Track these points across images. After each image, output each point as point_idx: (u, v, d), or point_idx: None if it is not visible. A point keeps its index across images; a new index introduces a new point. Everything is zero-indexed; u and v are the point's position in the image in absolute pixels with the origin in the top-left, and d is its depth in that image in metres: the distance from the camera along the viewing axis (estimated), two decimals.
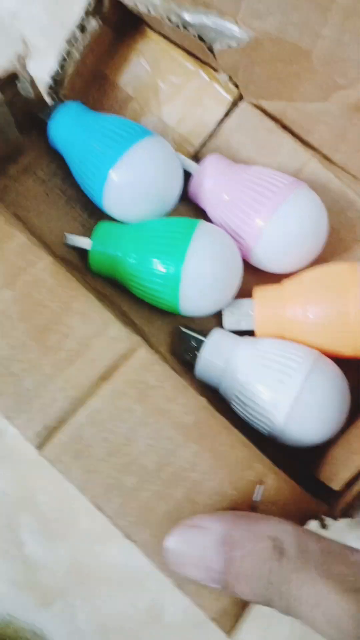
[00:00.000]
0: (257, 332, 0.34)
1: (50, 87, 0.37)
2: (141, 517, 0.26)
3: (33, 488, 0.38)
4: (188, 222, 0.33)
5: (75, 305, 0.27)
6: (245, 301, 0.35)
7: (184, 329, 0.34)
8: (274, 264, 0.35)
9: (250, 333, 0.35)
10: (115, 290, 0.36)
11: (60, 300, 0.27)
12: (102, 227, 0.35)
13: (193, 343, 0.34)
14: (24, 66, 0.33)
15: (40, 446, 0.26)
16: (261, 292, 0.35)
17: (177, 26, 0.33)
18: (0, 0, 0.44)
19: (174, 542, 0.24)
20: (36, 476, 0.38)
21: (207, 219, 0.36)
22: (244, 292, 0.35)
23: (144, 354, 0.27)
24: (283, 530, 0.23)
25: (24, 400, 0.26)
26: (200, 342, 0.34)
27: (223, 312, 0.35)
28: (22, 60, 0.33)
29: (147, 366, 0.27)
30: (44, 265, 0.28)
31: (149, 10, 0.33)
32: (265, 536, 0.22)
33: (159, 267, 0.32)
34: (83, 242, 0.35)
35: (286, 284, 0.34)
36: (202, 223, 0.33)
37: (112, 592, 0.37)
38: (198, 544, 0.23)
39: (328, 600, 0.20)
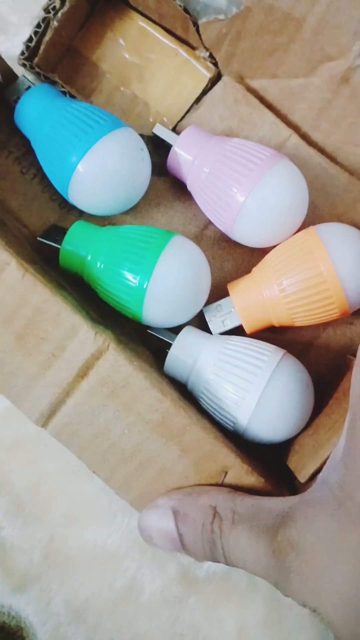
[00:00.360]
0: (244, 325, 0.35)
1: (23, 54, 0.36)
2: (125, 484, 0.30)
3: (8, 471, 0.37)
4: (161, 235, 0.32)
5: (47, 309, 0.28)
6: (223, 301, 0.35)
7: (150, 331, 0.34)
8: (255, 239, 0.35)
9: (240, 330, 0.35)
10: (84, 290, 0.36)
11: (31, 306, 0.28)
12: (77, 226, 0.34)
13: (161, 343, 0.34)
14: None
15: (43, 426, 0.30)
16: (236, 286, 0.35)
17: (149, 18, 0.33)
18: None
19: (141, 521, 0.30)
20: (11, 459, 0.37)
21: (187, 192, 0.37)
22: (226, 272, 0.36)
23: (111, 356, 0.29)
24: (219, 498, 0.28)
25: (22, 393, 0.29)
26: (167, 343, 0.34)
27: (207, 319, 0.35)
28: None
29: (114, 367, 0.29)
30: (10, 271, 0.28)
31: None
32: (205, 506, 0.28)
33: (126, 277, 0.31)
34: (57, 241, 0.34)
35: (255, 270, 0.35)
36: (176, 238, 0.33)
37: (88, 573, 0.36)
38: (158, 520, 0.29)
39: (252, 545, 0.26)
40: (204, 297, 0.34)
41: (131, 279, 0.31)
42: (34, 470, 0.37)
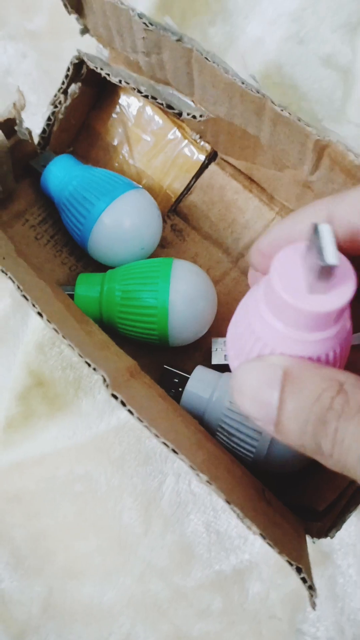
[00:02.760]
0: None
1: (39, 144, 0.40)
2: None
3: (9, 524, 0.39)
4: (163, 261, 0.36)
5: None
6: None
7: (167, 367, 0.37)
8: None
9: None
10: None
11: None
12: (84, 275, 0.38)
13: (176, 380, 0.36)
14: (19, 113, 0.36)
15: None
16: None
17: (147, 96, 0.36)
18: None
19: (237, 375, 0.23)
20: (11, 512, 0.39)
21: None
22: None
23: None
24: (350, 377, 0.21)
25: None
26: (183, 378, 0.36)
27: (212, 348, 0.37)
28: (18, 107, 0.36)
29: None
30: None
31: (120, 82, 0.36)
32: (330, 377, 0.21)
33: (147, 302, 0.35)
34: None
35: None
36: (176, 260, 0.36)
37: (85, 628, 0.37)
38: (259, 377, 0.22)
39: None
40: (215, 304, 0.37)
41: (152, 303, 0.35)
42: (34, 524, 0.38)
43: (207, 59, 0.32)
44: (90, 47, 0.39)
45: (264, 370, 0.22)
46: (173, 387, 0.36)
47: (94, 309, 0.37)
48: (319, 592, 0.37)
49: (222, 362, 0.37)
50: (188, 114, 0.36)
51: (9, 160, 0.37)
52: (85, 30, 0.39)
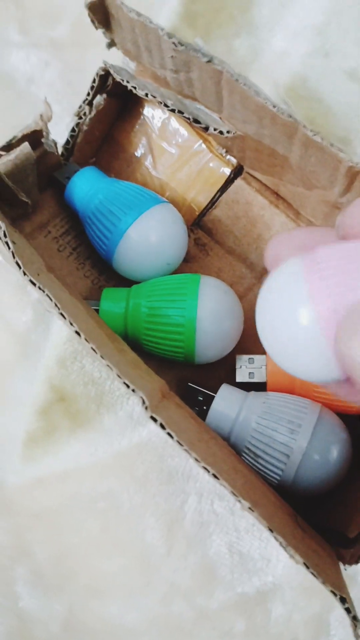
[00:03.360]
0: (269, 385, 0.36)
1: (62, 155, 0.40)
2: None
3: (30, 541, 0.38)
4: (190, 277, 0.36)
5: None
6: (256, 357, 0.37)
7: (192, 385, 0.36)
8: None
9: (261, 386, 0.36)
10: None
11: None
12: (109, 290, 0.37)
13: (200, 397, 0.36)
14: (46, 124, 0.36)
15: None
16: None
17: (173, 110, 0.35)
18: (17, 65, 0.46)
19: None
20: (33, 529, 0.38)
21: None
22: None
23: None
24: None
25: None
26: (208, 397, 0.35)
27: (237, 365, 0.37)
28: (45, 118, 0.35)
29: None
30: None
31: (146, 95, 0.36)
32: None
33: (174, 319, 0.35)
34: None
35: None
36: (203, 276, 0.36)
37: None
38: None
39: None
40: (242, 319, 0.37)
41: (179, 320, 0.35)
42: (56, 542, 0.38)
43: (237, 80, 0.31)
44: (116, 57, 0.39)
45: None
46: (197, 405, 0.35)
47: (118, 325, 0.36)
48: (343, 615, 0.37)
49: (246, 379, 0.37)
50: (215, 129, 0.35)
51: (35, 172, 0.36)
52: (112, 44, 0.38)
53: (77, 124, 0.39)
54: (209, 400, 0.35)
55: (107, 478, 0.38)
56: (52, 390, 0.39)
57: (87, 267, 0.40)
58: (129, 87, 0.36)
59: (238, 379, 0.37)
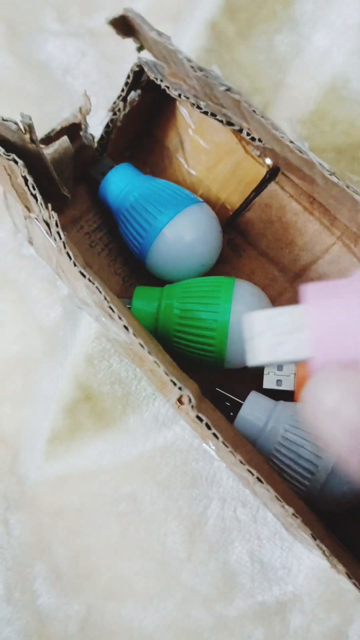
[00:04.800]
0: (296, 394, 0.35)
1: (97, 150, 0.39)
2: None
3: (50, 539, 0.38)
4: (224, 280, 0.35)
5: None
6: (286, 365, 0.36)
7: (219, 390, 0.36)
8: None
9: (288, 394, 0.36)
10: None
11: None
12: (141, 288, 0.37)
13: (228, 403, 0.35)
14: (85, 117, 0.35)
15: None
16: None
17: (206, 112, 0.35)
18: (54, 53, 0.46)
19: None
20: (53, 527, 0.38)
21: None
22: None
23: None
24: None
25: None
26: (235, 403, 0.35)
27: (265, 371, 0.36)
28: (84, 111, 0.35)
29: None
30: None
31: (180, 95, 0.35)
32: None
33: (207, 322, 0.34)
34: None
35: None
36: (237, 280, 0.36)
37: None
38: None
39: None
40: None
41: (212, 324, 0.34)
42: (75, 541, 0.38)
43: (254, 111, 0.31)
44: None
45: None
46: (224, 411, 0.35)
47: (149, 324, 0.36)
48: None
49: (274, 386, 0.36)
50: (248, 135, 0.35)
51: (71, 166, 0.36)
52: (141, 48, 0.39)
53: (112, 120, 0.39)
54: (237, 406, 0.34)
55: (130, 480, 0.38)
56: (79, 388, 0.39)
57: (118, 265, 0.39)
58: (162, 86, 0.36)
59: (265, 385, 0.36)
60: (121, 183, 0.38)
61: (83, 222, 0.39)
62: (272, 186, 0.40)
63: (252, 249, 0.41)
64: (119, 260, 0.39)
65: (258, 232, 0.40)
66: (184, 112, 0.41)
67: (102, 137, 0.39)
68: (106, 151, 0.40)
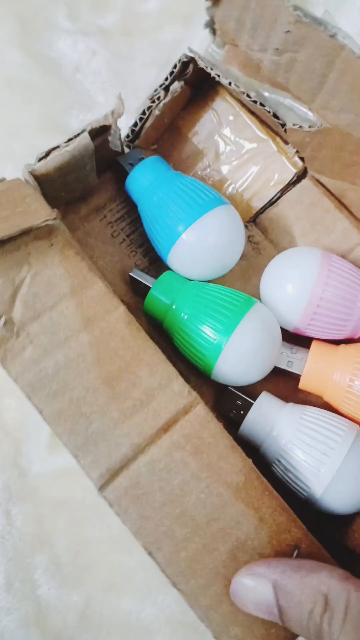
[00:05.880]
0: (301, 382, 0.36)
1: (127, 137, 0.39)
2: (188, 568, 0.27)
3: (51, 530, 0.38)
4: (245, 299, 0.34)
5: (145, 357, 0.29)
6: (300, 350, 0.37)
7: (231, 388, 0.36)
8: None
9: (294, 378, 0.36)
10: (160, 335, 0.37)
11: (132, 351, 0.29)
12: (167, 276, 0.36)
13: (239, 402, 0.35)
14: (116, 121, 0.35)
15: (101, 488, 0.27)
16: (318, 347, 0.36)
17: (255, 102, 0.35)
18: (64, 51, 0.46)
19: (234, 587, 0.26)
20: (55, 518, 0.38)
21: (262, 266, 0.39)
22: None
23: (201, 411, 0.28)
24: (332, 585, 0.25)
25: (91, 441, 0.27)
26: (246, 403, 0.35)
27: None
28: (116, 115, 0.34)
29: (203, 423, 0.28)
30: (119, 315, 0.29)
31: (230, 84, 0.35)
32: (315, 591, 0.25)
33: (207, 332, 0.33)
34: (147, 279, 0.36)
35: (342, 348, 0.36)
36: (258, 304, 0.34)
37: None
38: (254, 592, 0.26)
39: None
40: (273, 364, 0.35)
41: (211, 335, 0.33)
42: (76, 533, 0.38)
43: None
44: (169, 50, 0.38)
45: (256, 589, 0.26)
46: (235, 409, 0.35)
47: (159, 314, 0.36)
48: None
49: (284, 366, 0.36)
50: (294, 124, 0.35)
51: (93, 160, 0.36)
52: (210, 24, 0.38)
53: (149, 107, 0.38)
54: (247, 405, 0.35)
55: None
56: None
57: (139, 255, 0.39)
58: (213, 74, 0.36)
59: (275, 364, 0.36)
60: (148, 178, 0.37)
61: (107, 212, 0.39)
62: (305, 182, 0.40)
63: (273, 247, 0.41)
64: (139, 251, 0.39)
65: (282, 228, 0.40)
66: (217, 111, 0.41)
67: (135, 124, 0.39)
68: (138, 139, 0.40)
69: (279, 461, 0.33)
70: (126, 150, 0.40)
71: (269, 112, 0.35)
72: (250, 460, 0.29)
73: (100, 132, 0.35)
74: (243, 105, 0.41)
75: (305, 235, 0.40)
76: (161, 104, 0.38)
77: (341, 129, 0.34)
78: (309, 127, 0.35)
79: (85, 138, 0.34)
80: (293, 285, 0.35)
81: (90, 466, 0.27)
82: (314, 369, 0.35)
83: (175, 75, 0.37)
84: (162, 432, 0.28)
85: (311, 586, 0.25)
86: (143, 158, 0.39)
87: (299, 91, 0.35)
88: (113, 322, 0.29)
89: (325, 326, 0.35)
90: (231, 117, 0.41)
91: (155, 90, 0.38)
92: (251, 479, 0.28)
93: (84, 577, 0.38)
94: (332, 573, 0.25)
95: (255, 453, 0.34)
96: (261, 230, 0.41)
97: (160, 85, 0.38)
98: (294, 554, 0.28)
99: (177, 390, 0.28)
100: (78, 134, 0.34)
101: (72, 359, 0.28)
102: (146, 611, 0.37)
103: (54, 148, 0.33)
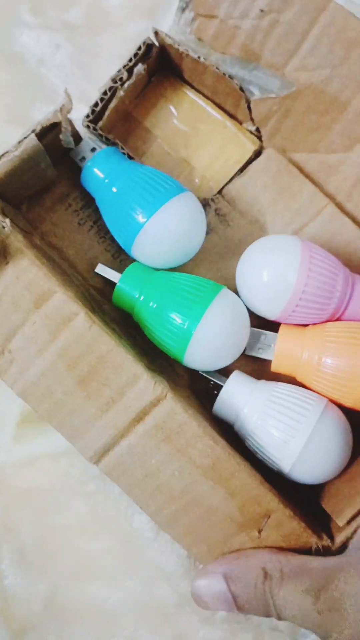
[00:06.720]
0: (272, 366, 0.36)
1: (88, 117, 0.39)
2: (171, 520, 0.32)
3: (16, 519, 0.38)
4: (212, 286, 0.35)
5: (109, 359, 0.31)
6: (269, 334, 0.38)
7: (202, 373, 0.37)
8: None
9: (267, 363, 0.37)
10: (131, 326, 0.38)
11: (95, 355, 0.31)
12: (133, 268, 0.37)
13: (211, 384, 0.36)
14: (65, 117, 0.35)
15: (95, 463, 0.32)
16: (286, 330, 0.37)
17: (224, 74, 0.36)
18: (28, 45, 0.46)
19: (194, 589, 0.32)
20: (20, 508, 0.38)
21: (231, 251, 0.40)
22: None
23: (168, 404, 0.31)
24: (267, 559, 0.30)
25: (78, 433, 0.32)
26: (217, 385, 0.36)
27: (249, 339, 0.37)
28: (64, 111, 0.35)
29: (171, 414, 0.31)
30: (79, 321, 0.31)
31: (199, 57, 0.36)
32: (256, 568, 0.30)
33: (175, 320, 0.34)
34: (111, 275, 0.37)
35: (310, 328, 0.36)
36: (224, 290, 0.35)
37: (87, 629, 0.37)
38: (210, 587, 0.31)
39: (300, 604, 0.28)
40: (242, 348, 0.36)
41: (180, 323, 0.34)
42: (41, 522, 0.38)
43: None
44: (138, 42, 0.39)
45: (211, 584, 0.31)
46: (208, 390, 0.36)
47: (128, 305, 0.36)
48: None
49: (255, 354, 0.38)
50: (262, 94, 0.37)
51: (46, 158, 0.36)
52: (184, 7, 0.39)
53: (111, 88, 0.38)
54: (219, 387, 0.36)
55: None
56: None
57: (107, 242, 0.40)
58: (181, 49, 0.37)
59: (247, 352, 0.38)
60: (104, 171, 0.37)
61: (71, 200, 0.39)
62: (270, 151, 0.41)
63: (241, 218, 0.41)
64: (107, 237, 0.39)
65: (250, 198, 0.41)
66: (172, 95, 0.42)
67: (96, 104, 0.39)
68: (100, 120, 0.39)
69: (251, 437, 0.34)
70: (86, 132, 0.40)
71: (237, 84, 0.36)
72: (223, 441, 0.32)
73: (52, 128, 0.35)
74: (198, 92, 0.42)
75: (274, 203, 0.40)
76: (126, 85, 0.38)
77: (314, 88, 0.36)
78: (277, 94, 0.36)
79: (33, 140, 0.34)
80: (275, 278, 0.36)
81: (83, 449, 0.32)
82: (284, 351, 0.36)
83: (139, 57, 0.38)
84: (136, 423, 0.31)
85: (252, 565, 0.30)
86: (95, 149, 0.38)
87: (273, 56, 0.37)
88: (75, 329, 0.31)
89: (306, 313, 0.36)
90: (186, 103, 0.42)
91: (119, 71, 0.38)
92: (220, 461, 0.31)
93: (50, 565, 0.38)
94: (266, 551, 0.31)
95: (231, 430, 0.35)
96: (228, 202, 0.41)
97: (124, 66, 0.38)
98: (264, 524, 0.31)
99: (143, 387, 0.31)
100: (26, 137, 0.34)
101: (48, 369, 0.31)
102: (112, 597, 0.37)
103: (3, 154, 0.34)
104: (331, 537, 0.32)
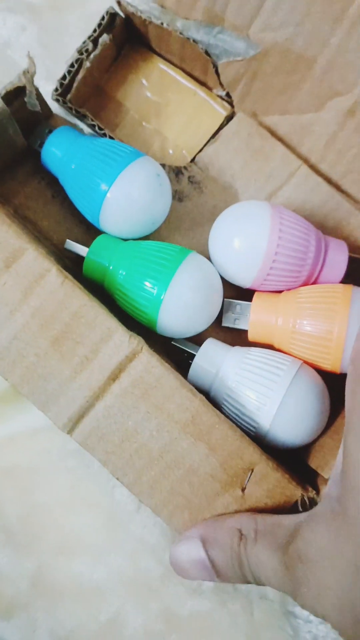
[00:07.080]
0: (249, 334, 0.37)
1: (57, 90, 0.39)
2: (150, 488, 0.31)
3: (0, 498, 0.38)
4: (179, 250, 0.35)
5: (83, 314, 0.31)
6: (244, 304, 0.38)
7: (174, 342, 0.37)
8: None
9: (245, 333, 0.37)
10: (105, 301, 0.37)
11: (69, 311, 0.30)
12: (101, 239, 0.37)
13: (185, 354, 0.36)
14: (30, 80, 0.35)
15: (69, 432, 0.31)
16: (260, 298, 0.37)
17: (188, 39, 0.36)
18: None
19: (172, 556, 0.31)
20: (4, 487, 0.38)
21: (206, 217, 0.40)
22: None
23: (145, 357, 0.31)
24: (243, 520, 0.29)
25: (52, 397, 0.31)
26: (190, 353, 0.36)
27: (224, 309, 0.38)
28: (28, 74, 0.35)
29: (148, 368, 0.31)
30: (51, 277, 0.31)
31: (162, 24, 0.36)
32: (231, 529, 0.29)
33: (145, 287, 0.34)
34: (80, 249, 0.37)
35: (284, 294, 0.36)
36: (192, 254, 0.35)
37: (74, 605, 0.37)
38: (188, 552, 0.30)
39: (269, 561, 0.27)
40: (215, 312, 0.36)
41: (150, 289, 0.33)
42: (26, 500, 0.38)
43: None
44: (97, 18, 0.39)
45: (189, 550, 0.30)
46: (184, 360, 0.36)
47: (98, 275, 0.36)
48: None
49: (232, 325, 0.38)
50: (228, 59, 0.37)
51: (14, 123, 0.36)
52: None
53: (77, 60, 0.39)
54: (192, 355, 0.36)
55: None
56: None
57: (81, 214, 0.39)
58: (144, 16, 0.37)
59: (224, 323, 0.38)
60: (61, 149, 0.37)
61: (44, 173, 0.39)
62: (241, 115, 0.41)
63: (215, 184, 0.41)
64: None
65: (223, 163, 0.41)
66: (142, 67, 0.42)
67: (64, 77, 0.39)
68: (69, 94, 0.40)
69: (227, 401, 0.34)
70: (58, 108, 0.40)
71: (202, 49, 0.36)
72: (201, 395, 0.31)
73: (17, 94, 0.35)
74: (167, 60, 0.42)
75: (246, 168, 0.40)
76: (92, 56, 0.39)
77: (280, 47, 0.36)
78: (244, 57, 0.36)
79: None
80: (246, 245, 0.35)
81: (56, 417, 0.31)
82: (259, 319, 0.36)
83: (103, 27, 0.38)
84: (112, 381, 0.31)
85: (228, 527, 0.29)
86: (52, 130, 0.39)
87: (236, 18, 0.37)
88: (48, 286, 0.30)
89: (280, 280, 0.36)
90: (156, 74, 0.42)
91: (84, 42, 0.38)
92: (199, 414, 0.30)
93: (36, 543, 0.38)
94: (242, 514, 0.30)
95: (207, 397, 0.35)
96: (201, 169, 0.41)
97: (89, 37, 0.38)
98: (248, 477, 0.30)
99: (118, 341, 0.30)
100: None
101: (20, 330, 0.30)
102: (98, 572, 0.37)
103: None
104: (317, 492, 0.32)
